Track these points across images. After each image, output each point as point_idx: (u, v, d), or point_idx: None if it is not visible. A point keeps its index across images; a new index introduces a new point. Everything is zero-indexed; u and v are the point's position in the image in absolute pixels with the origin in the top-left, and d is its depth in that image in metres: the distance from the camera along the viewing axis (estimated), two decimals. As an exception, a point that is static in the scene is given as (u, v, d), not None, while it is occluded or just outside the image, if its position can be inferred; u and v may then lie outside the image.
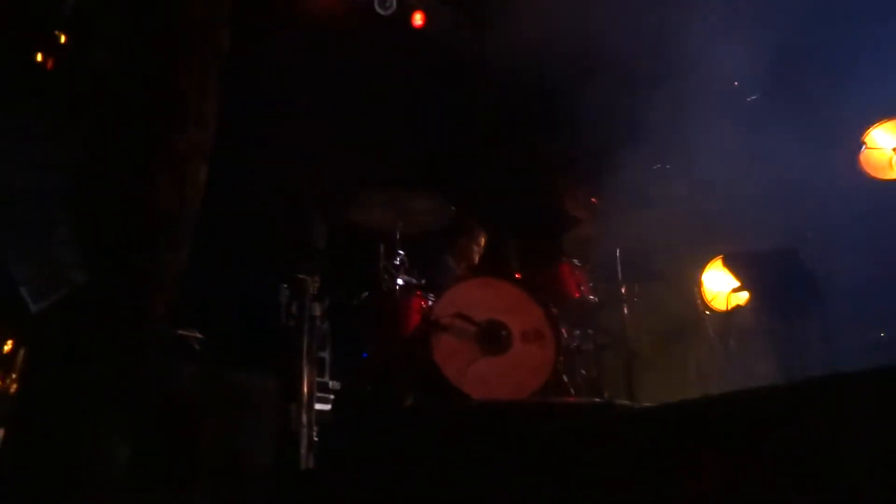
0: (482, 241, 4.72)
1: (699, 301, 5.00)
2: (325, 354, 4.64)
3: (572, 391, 3.66)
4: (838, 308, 4.00)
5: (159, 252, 3.43)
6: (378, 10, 5.44)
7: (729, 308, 4.60)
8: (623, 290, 4.40)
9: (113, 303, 3.27)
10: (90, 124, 3.38)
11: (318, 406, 4.03)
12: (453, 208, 4.21)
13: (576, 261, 4.36)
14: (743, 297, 4.63)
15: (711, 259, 5.15)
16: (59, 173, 3.32)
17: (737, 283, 4.47)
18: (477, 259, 4.72)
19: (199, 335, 3.94)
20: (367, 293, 4.05)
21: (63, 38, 3.63)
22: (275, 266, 4.51)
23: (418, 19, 5.63)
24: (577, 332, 4.14)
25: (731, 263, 4.47)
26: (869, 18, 4.93)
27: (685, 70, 5.04)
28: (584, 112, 5.66)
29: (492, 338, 3.41)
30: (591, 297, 4.28)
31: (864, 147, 4.34)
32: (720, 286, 4.90)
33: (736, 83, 5.65)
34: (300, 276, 4.03)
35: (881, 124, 4.42)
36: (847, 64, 4.90)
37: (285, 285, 4.04)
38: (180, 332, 3.84)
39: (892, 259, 4.32)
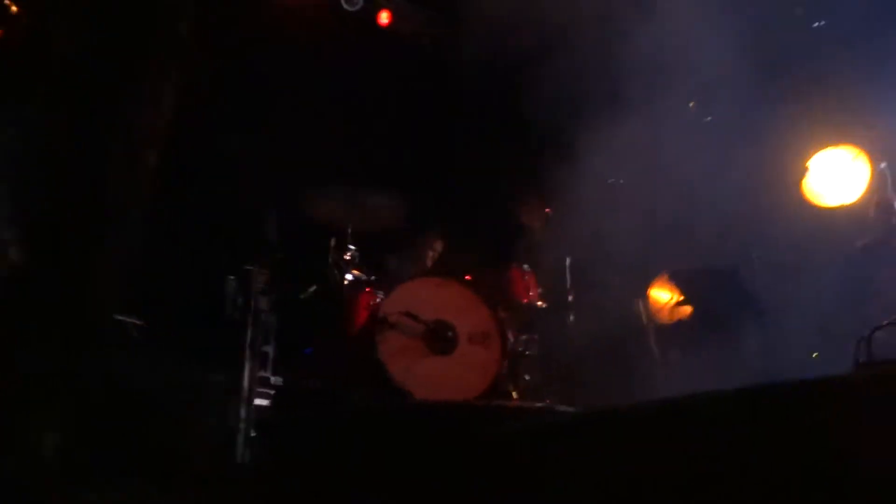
0: (438, 247, 4.71)
1: (644, 313, 5.08)
2: (269, 349, 4.55)
3: (515, 395, 3.67)
4: (775, 326, 4.10)
5: (107, 237, 3.34)
6: (345, 5, 5.40)
7: (672, 320, 4.68)
8: (570, 298, 4.43)
9: (52, 286, 3.17)
10: (39, 102, 3.28)
11: (258, 401, 3.96)
12: (405, 206, 4.19)
13: (526, 266, 4.38)
14: (686, 310, 4.72)
15: (658, 274, 5.25)
16: (2, 150, 3.21)
17: (680, 298, 4.55)
18: (430, 264, 4.70)
19: (139, 322, 3.85)
20: (315, 287, 3.99)
21: (14, 9, 3.51)
22: (223, 257, 4.43)
23: (384, 18, 5.61)
24: (524, 336, 4.16)
25: (676, 279, 4.56)
26: (818, 46, 5.10)
27: (645, 89, 5.13)
28: (543, 122, 5.72)
29: (438, 337, 3.42)
30: (539, 302, 4.31)
31: (806, 172, 4.46)
32: (665, 300, 4.99)
33: (692, 104, 5.77)
34: (248, 267, 3.96)
35: (824, 149, 4.56)
36: (796, 92, 5.04)
37: (232, 277, 3.95)
38: (119, 317, 3.73)
39: (828, 282, 4.46)
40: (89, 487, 2.70)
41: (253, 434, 3.66)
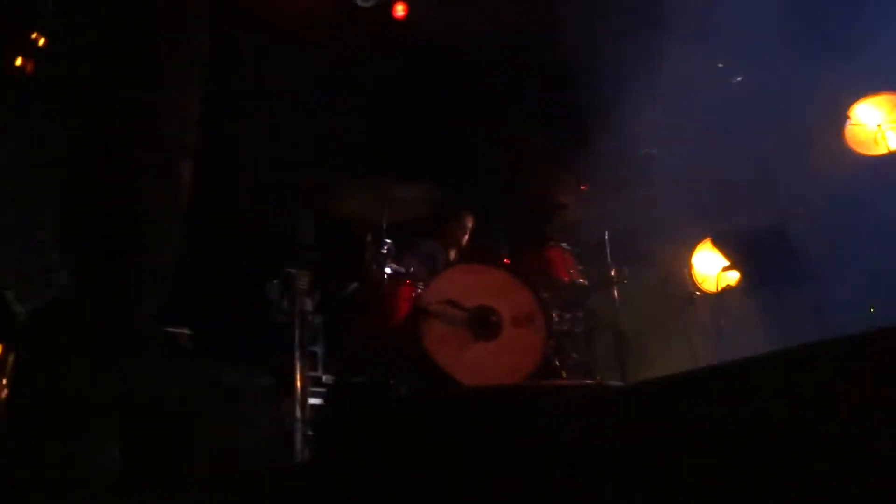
0: (469, 223, 4.71)
1: (689, 282, 5.01)
2: (318, 349, 4.61)
3: (564, 374, 3.65)
4: (829, 283, 3.99)
5: (146, 251, 3.40)
6: (358, 2, 5.40)
7: (719, 289, 4.60)
8: (612, 273, 4.39)
9: (100, 303, 3.25)
10: (73, 125, 3.36)
11: (312, 401, 4.03)
12: (439, 195, 4.18)
13: (564, 245, 4.36)
14: (733, 277, 4.63)
15: (701, 240, 5.16)
16: (41, 176, 3.29)
17: (726, 263, 4.46)
18: (465, 242, 4.70)
19: (188, 332, 3.92)
20: (356, 284, 4.02)
21: (42, 41, 3.60)
22: (264, 262, 4.49)
23: (400, 10, 5.59)
24: (568, 315, 4.13)
25: (720, 244, 4.47)
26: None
27: (669, 53, 5.03)
28: (570, 98, 5.65)
29: (482, 323, 3.41)
30: (581, 280, 4.28)
31: (848, 122, 4.33)
32: (710, 267, 4.90)
33: (720, 65, 5.64)
34: (290, 270, 4.01)
35: (865, 99, 4.41)
36: (830, 39, 4.89)
37: (276, 281, 4.00)
38: (169, 329, 3.81)
39: (879, 232, 4.32)
40: (149, 498, 2.76)
41: (309, 433, 3.73)
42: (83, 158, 3.35)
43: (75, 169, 3.32)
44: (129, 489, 2.88)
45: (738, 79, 5.61)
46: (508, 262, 3.91)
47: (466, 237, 4.70)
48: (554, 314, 3.77)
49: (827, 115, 4.76)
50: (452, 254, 4.70)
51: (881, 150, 4.49)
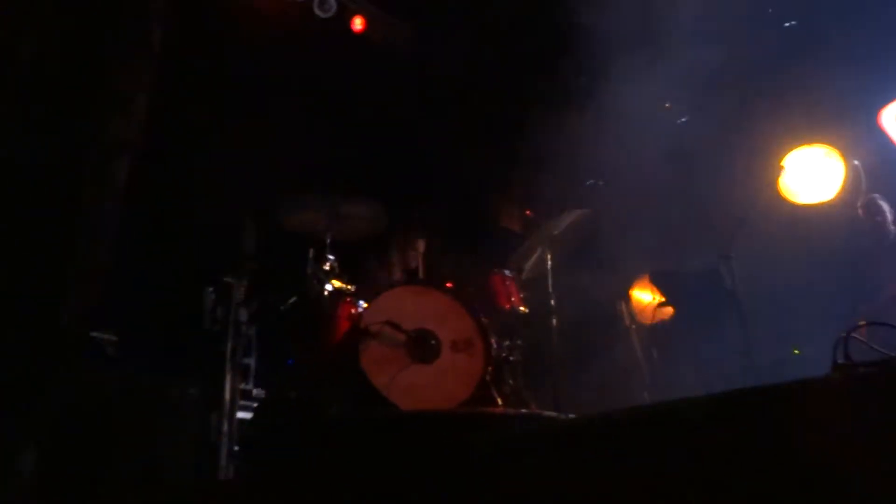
0: (421, 246, 4.71)
1: (626, 314, 5.13)
2: (250, 361, 4.53)
3: (499, 402, 3.68)
4: (756, 325, 4.15)
5: (78, 249, 3.30)
6: (317, 12, 5.39)
7: (654, 321, 4.72)
8: (552, 302, 4.44)
9: (26, 302, 3.13)
10: (12, 112, 3.25)
11: (240, 415, 3.93)
12: (387, 215, 4.19)
13: (507, 272, 4.39)
14: (668, 311, 4.77)
15: (639, 276, 5.30)
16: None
17: (662, 299, 4.60)
18: (415, 265, 4.70)
19: (114, 338, 3.82)
20: (295, 299, 3.98)
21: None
22: (201, 269, 4.40)
23: (358, 24, 5.60)
24: (507, 342, 4.15)
25: (657, 280, 4.60)
26: (797, 44, 5.18)
27: (621, 88, 5.17)
28: (519, 125, 5.75)
29: (421, 346, 3.41)
30: (522, 308, 4.31)
31: (782, 171, 4.52)
32: (646, 301, 5.04)
33: (668, 105, 5.84)
34: (226, 279, 3.95)
35: (799, 148, 4.62)
36: (772, 87, 5.12)
37: (211, 289, 3.94)
38: (95, 334, 3.71)
39: (806, 280, 4.53)
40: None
41: (235, 448, 3.66)
42: (21, 145, 3.24)
43: (11, 155, 3.21)
44: (43, 496, 2.77)
45: (684, 119, 5.82)
46: (451, 286, 3.93)
47: (417, 262, 4.70)
48: (493, 341, 3.80)
49: (764, 163, 4.96)
50: (398, 276, 4.70)
51: (812, 199, 4.71)
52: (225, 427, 3.67)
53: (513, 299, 4.28)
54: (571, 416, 3.02)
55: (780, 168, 4.50)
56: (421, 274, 4.54)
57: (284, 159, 4.89)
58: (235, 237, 4.28)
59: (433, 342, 3.44)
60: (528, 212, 5.05)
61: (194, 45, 4.84)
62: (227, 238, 4.39)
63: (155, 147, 4.28)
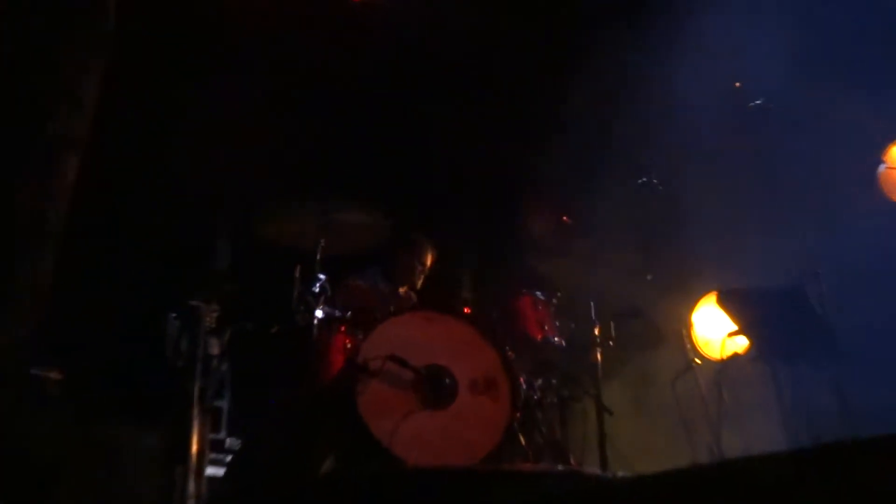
0: (428, 258, 4.70)
1: (688, 347, 5.07)
2: (223, 404, 4.54)
3: (531, 455, 3.63)
4: (854, 358, 4.08)
5: (17, 261, 3.32)
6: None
7: (724, 356, 4.66)
8: (596, 332, 4.40)
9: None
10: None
11: (210, 470, 3.95)
12: (392, 224, 4.19)
13: (539, 293, 4.36)
14: (741, 343, 4.70)
15: (704, 295, 5.24)
16: None
17: (734, 327, 4.53)
18: (420, 282, 4.69)
19: (58, 375, 3.83)
20: (277, 327, 3.97)
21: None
22: (162, 289, 4.41)
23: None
24: (539, 381, 4.13)
25: (727, 302, 4.52)
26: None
27: (676, 63, 5.15)
28: (556, 111, 5.74)
29: (433, 387, 3.38)
30: (557, 338, 4.28)
31: (883, 166, 4.47)
32: (714, 329, 4.98)
33: (738, 84, 5.79)
34: (194, 303, 3.95)
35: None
36: (869, 69, 5.07)
37: (174, 314, 3.94)
38: (35, 371, 3.72)
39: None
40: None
41: (205, 511, 3.65)
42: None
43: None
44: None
45: (757, 102, 5.76)
46: (469, 311, 3.90)
47: (423, 276, 4.68)
48: (522, 379, 3.76)
49: (858, 156, 4.91)
50: (404, 289, 4.68)
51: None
52: (191, 486, 3.65)
53: (546, 327, 4.25)
54: (620, 474, 2.95)
55: (883, 163, 4.45)
56: (429, 296, 4.52)
57: (265, 157, 4.90)
58: (205, 251, 4.29)
59: (447, 381, 3.40)
60: (564, 217, 5.02)
61: (155, 26, 4.86)
62: (195, 252, 4.40)
63: (109, 144, 4.30)
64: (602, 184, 5.52)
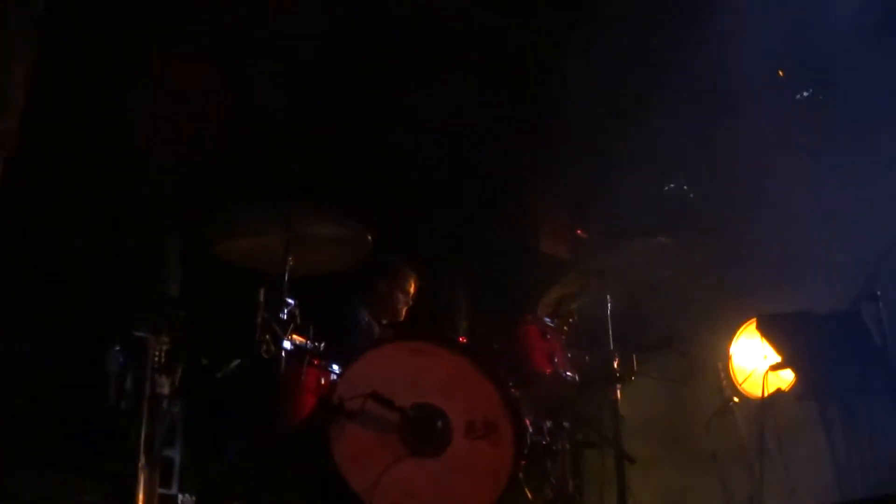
0: (411, 286, 4.75)
1: (725, 382, 5.09)
2: (174, 453, 4.56)
3: (538, 511, 3.66)
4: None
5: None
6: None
7: (766, 394, 4.68)
8: (615, 365, 4.44)
9: None
10: None
11: (159, 535, 3.98)
12: (370, 239, 4.21)
13: (548, 320, 4.40)
14: (786, 377, 4.73)
15: (743, 323, 5.27)
16: None
17: (777, 358, 4.56)
18: (404, 312, 4.73)
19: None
20: (238, 361, 4.01)
21: None
22: (101, 319, 4.43)
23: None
24: (548, 423, 4.16)
25: (768, 329, 4.57)
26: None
27: (708, 49, 5.21)
28: (570, 102, 5.76)
29: (422, 431, 3.39)
30: (569, 373, 4.31)
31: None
32: (754, 362, 5.00)
33: (781, 72, 5.86)
34: (139, 334, 3.98)
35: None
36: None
37: (117, 348, 3.98)
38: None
39: None
40: None
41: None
42: None
43: None
44: None
45: (805, 94, 5.83)
46: (466, 341, 3.92)
47: (406, 306, 4.72)
48: (528, 422, 3.78)
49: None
50: (384, 329, 4.71)
51: None
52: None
53: (556, 360, 4.27)
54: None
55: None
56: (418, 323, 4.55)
57: (222, 157, 4.91)
58: (153, 271, 4.31)
59: (439, 424, 3.42)
60: (579, 231, 5.06)
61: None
62: (141, 272, 4.41)
63: (38, 141, 4.33)
64: (623, 191, 5.56)
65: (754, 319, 4.96)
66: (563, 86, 5.67)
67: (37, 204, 4.71)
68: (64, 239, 4.91)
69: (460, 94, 5.65)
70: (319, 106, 5.49)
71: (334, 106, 5.57)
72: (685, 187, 6.04)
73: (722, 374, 5.08)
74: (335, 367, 3.77)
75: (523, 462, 3.55)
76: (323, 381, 3.74)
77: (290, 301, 3.96)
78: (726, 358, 5.23)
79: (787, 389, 4.73)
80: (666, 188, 5.81)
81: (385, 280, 4.75)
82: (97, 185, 4.96)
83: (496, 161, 5.71)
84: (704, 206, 5.60)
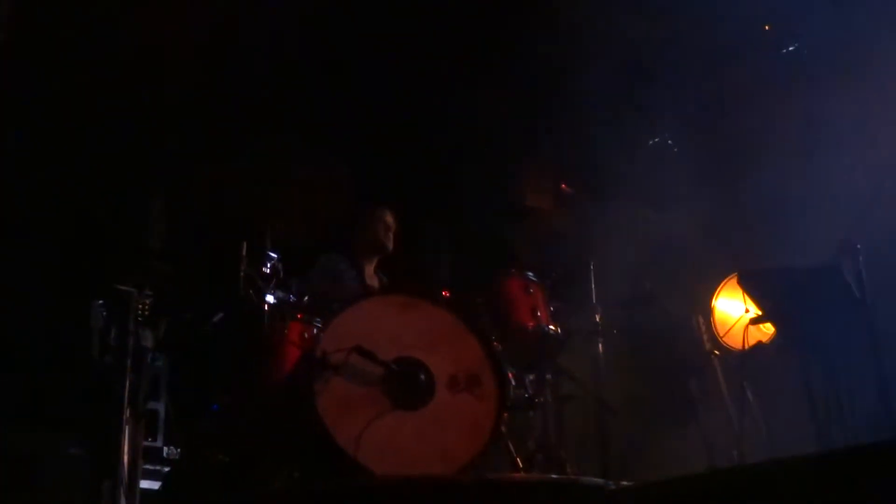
0: (388, 216, 4.72)
1: (706, 336, 5.10)
2: (158, 407, 4.56)
3: (521, 463, 3.66)
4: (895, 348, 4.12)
5: None
6: None
7: (746, 346, 4.69)
8: (598, 318, 4.43)
9: None
10: None
11: (144, 484, 3.97)
12: (348, 178, 4.18)
13: (531, 274, 4.37)
14: (766, 330, 4.74)
15: (725, 278, 5.28)
16: None
17: (758, 312, 4.57)
18: (391, 241, 4.71)
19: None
20: (221, 315, 3.98)
21: None
22: (83, 273, 4.39)
23: None
24: (531, 377, 4.15)
25: (749, 283, 4.56)
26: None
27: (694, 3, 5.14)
28: (554, 54, 5.71)
29: (405, 384, 3.39)
30: (552, 327, 4.29)
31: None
32: (736, 315, 5.02)
33: (767, 27, 5.81)
34: (122, 288, 3.95)
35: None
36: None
37: (100, 302, 3.94)
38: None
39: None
40: None
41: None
42: None
43: None
44: None
45: (791, 48, 5.79)
46: (449, 295, 3.91)
47: (392, 237, 4.70)
48: (510, 375, 3.77)
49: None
50: (371, 269, 4.72)
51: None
52: (122, 501, 3.67)
53: (539, 314, 4.25)
54: (625, 483, 3.00)
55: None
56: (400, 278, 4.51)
57: (198, 103, 4.83)
58: (135, 225, 4.26)
59: (422, 378, 3.42)
60: (563, 185, 5.03)
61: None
62: (122, 226, 4.37)
63: (17, 96, 4.27)
64: (607, 145, 5.52)
65: (736, 274, 4.96)
66: (547, 37, 5.61)
67: (19, 158, 4.66)
68: (46, 193, 4.86)
69: (443, 45, 5.60)
70: (302, 52, 5.42)
71: (316, 54, 5.50)
72: (669, 142, 6.00)
73: (703, 328, 5.08)
74: (318, 322, 3.74)
75: (505, 414, 3.54)
76: (306, 335, 3.72)
77: (273, 255, 3.94)
78: (709, 312, 5.23)
79: (767, 342, 4.75)
80: (650, 142, 5.75)
81: (363, 222, 4.71)
82: (79, 138, 4.90)
83: (479, 115, 5.65)
84: (688, 161, 5.55)
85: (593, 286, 4.49)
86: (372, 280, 4.69)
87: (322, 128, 5.15)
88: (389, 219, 4.74)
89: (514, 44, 5.83)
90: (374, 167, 5.07)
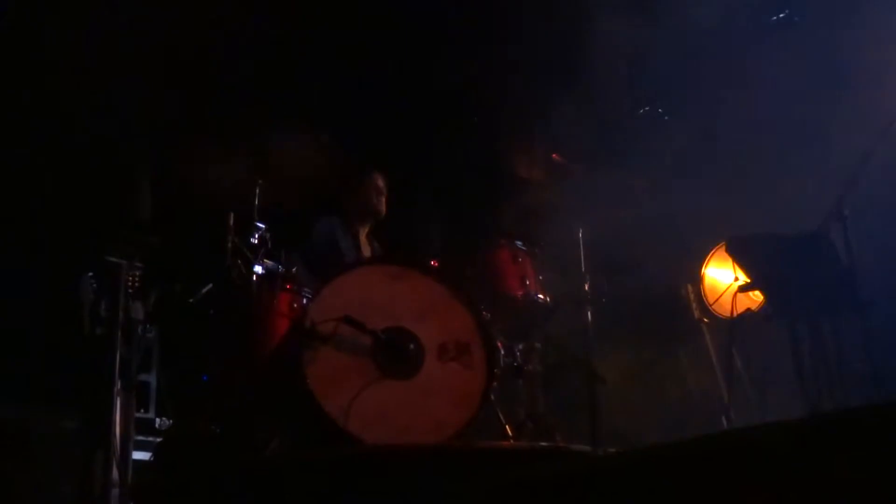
0: (379, 181, 4.69)
1: (695, 304, 5.10)
2: (150, 378, 4.57)
3: (510, 432, 3.66)
4: (883, 314, 4.12)
5: None
6: None
7: (735, 314, 4.70)
8: (587, 287, 4.42)
9: None
10: None
11: (136, 455, 4.01)
12: (336, 147, 4.15)
13: (520, 243, 4.37)
14: (755, 297, 4.74)
15: (714, 247, 5.27)
16: None
17: (746, 280, 4.57)
18: (384, 205, 4.68)
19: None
20: (210, 286, 3.96)
21: None
22: (74, 245, 4.37)
23: None
24: (520, 345, 4.16)
25: (737, 250, 4.56)
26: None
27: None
28: (545, 25, 5.68)
29: (395, 354, 3.37)
30: (541, 296, 4.30)
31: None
32: (725, 283, 5.02)
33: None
34: (112, 259, 3.94)
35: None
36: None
37: (91, 275, 3.92)
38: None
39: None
40: None
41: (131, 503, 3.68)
42: None
43: None
44: None
45: (782, 15, 5.75)
46: (438, 265, 3.89)
47: (381, 201, 4.67)
48: (500, 344, 3.77)
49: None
50: (364, 235, 4.70)
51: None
52: (114, 472, 3.68)
53: (528, 283, 4.26)
54: (612, 450, 2.99)
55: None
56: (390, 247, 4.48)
57: (186, 75, 4.79)
58: (123, 198, 4.24)
59: (412, 347, 3.39)
60: (554, 154, 5.01)
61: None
62: (111, 198, 4.34)
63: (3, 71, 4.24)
64: (597, 114, 5.50)
65: (724, 242, 4.96)
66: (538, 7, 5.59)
67: (5, 133, 4.63)
68: (34, 166, 4.84)
69: (435, 15, 5.57)
70: (286, 27, 5.38)
71: (301, 27, 5.46)
72: (660, 110, 5.98)
73: (692, 296, 5.08)
74: (307, 291, 3.75)
75: (495, 383, 3.54)
76: (295, 305, 3.73)
77: (261, 225, 3.93)
78: (698, 280, 5.23)
79: (755, 309, 4.75)
80: (641, 111, 5.72)
81: (354, 186, 4.68)
82: (66, 111, 4.87)
83: (469, 84, 5.62)
84: (677, 129, 5.53)
85: (582, 254, 4.46)
86: (365, 247, 4.68)
87: (311, 97, 5.11)
88: (381, 183, 4.71)
89: (507, 16, 5.81)
90: (365, 137, 5.03)
